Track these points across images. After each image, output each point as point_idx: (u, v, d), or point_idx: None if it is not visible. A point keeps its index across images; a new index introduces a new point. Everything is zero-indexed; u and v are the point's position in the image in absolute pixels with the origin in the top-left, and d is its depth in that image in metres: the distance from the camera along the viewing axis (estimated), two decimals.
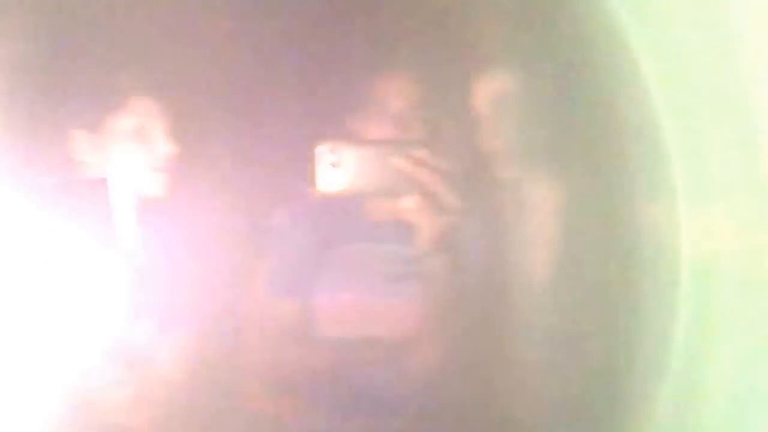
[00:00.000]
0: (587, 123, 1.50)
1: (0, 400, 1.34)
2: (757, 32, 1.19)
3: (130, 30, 1.68)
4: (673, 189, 1.35)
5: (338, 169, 1.11)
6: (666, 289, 1.34)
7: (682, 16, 1.30)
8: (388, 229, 1.60)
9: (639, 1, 1.43)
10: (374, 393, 1.55)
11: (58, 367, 1.43)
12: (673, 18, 1.33)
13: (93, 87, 1.50)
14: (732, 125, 1.28)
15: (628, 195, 1.42)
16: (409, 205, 1.11)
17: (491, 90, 1.51)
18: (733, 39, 1.22)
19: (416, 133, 1.56)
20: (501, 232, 1.55)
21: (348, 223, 1.64)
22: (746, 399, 1.22)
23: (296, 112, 1.62)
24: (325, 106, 1.60)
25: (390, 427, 1.55)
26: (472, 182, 1.49)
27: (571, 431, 1.39)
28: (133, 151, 1.49)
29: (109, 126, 1.48)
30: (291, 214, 1.69)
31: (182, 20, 1.70)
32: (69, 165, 1.49)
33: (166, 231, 1.57)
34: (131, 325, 1.51)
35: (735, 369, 1.25)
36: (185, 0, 1.69)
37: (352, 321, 1.59)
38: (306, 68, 1.62)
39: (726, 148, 1.27)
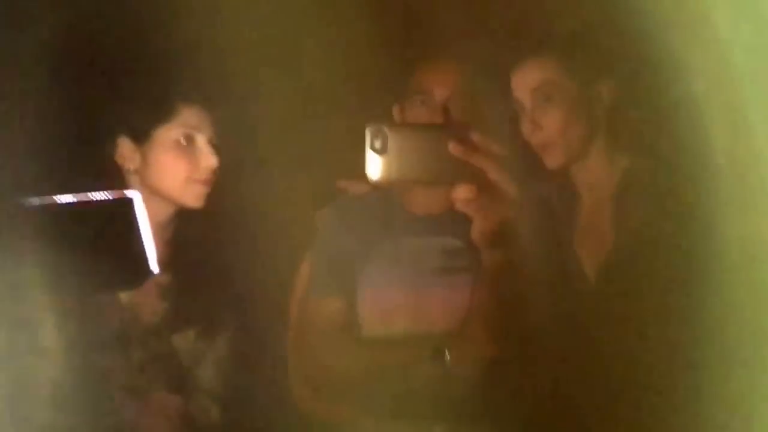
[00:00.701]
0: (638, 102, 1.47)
1: None
2: None
3: (180, 41, 1.69)
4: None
5: (384, 154, 1.01)
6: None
7: None
8: (436, 222, 1.59)
9: None
10: (422, 393, 1.50)
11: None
12: None
13: (142, 96, 1.49)
14: None
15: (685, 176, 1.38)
16: (462, 194, 1.01)
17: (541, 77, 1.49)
18: None
19: (468, 116, 1.54)
20: (556, 222, 1.53)
21: (394, 217, 1.62)
22: None
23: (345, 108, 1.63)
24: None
25: (434, 430, 1.52)
26: (529, 169, 1.48)
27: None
28: (177, 161, 1.48)
29: (156, 135, 1.48)
30: (337, 208, 1.69)
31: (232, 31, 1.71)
32: (112, 174, 1.49)
33: (207, 235, 1.55)
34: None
35: None
36: (232, 12, 1.69)
37: (400, 318, 1.56)
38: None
39: None
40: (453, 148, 0.99)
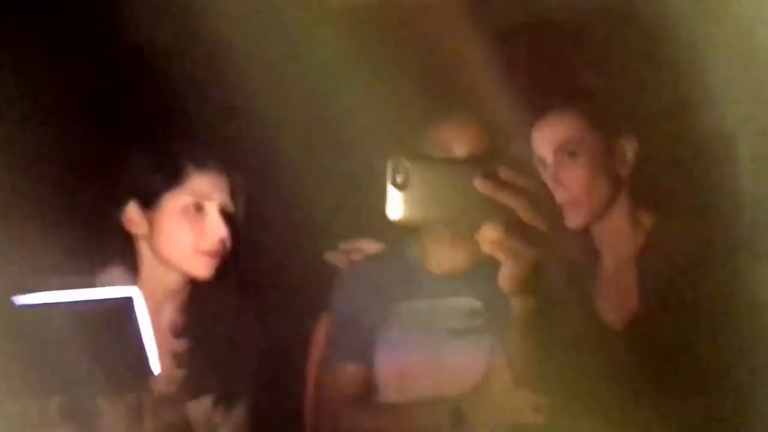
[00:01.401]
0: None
1: None
2: None
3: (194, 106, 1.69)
4: None
5: (406, 190, 0.96)
6: None
7: None
8: (454, 282, 1.56)
9: None
10: None
11: None
12: None
13: (154, 159, 1.46)
14: None
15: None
16: (490, 235, 0.94)
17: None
18: None
19: (497, 149, 1.51)
20: (578, 275, 1.48)
21: (411, 278, 1.58)
22: None
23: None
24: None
25: None
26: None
27: None
28: (185, 230, 1.43)
29: (165, 202, 1.43)
30: (353, 271, 1.67)
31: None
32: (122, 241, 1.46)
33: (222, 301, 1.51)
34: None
35: None
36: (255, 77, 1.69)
37: (418, 383, 1.52)
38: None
39: None
40: (480, 184, 0.93)
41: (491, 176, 0.92)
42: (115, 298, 1.15)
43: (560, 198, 1.44)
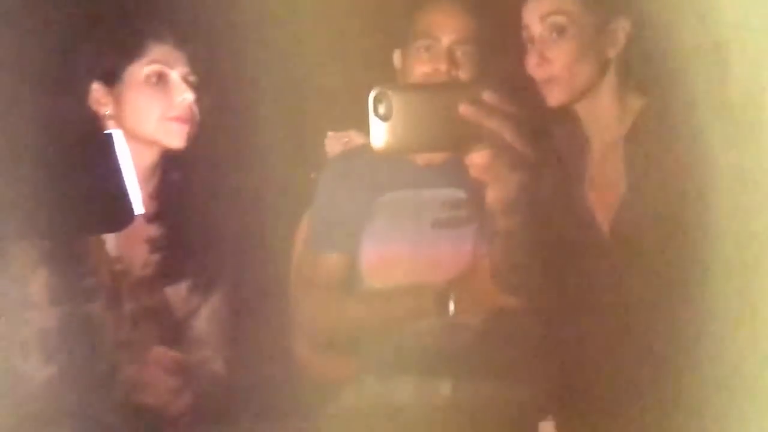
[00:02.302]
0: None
1: None
2: None
3: None
4: None
5: (389, 121, 0.93)
6: None
7: None
8: (438, 172, 1.54)
9: None
10: (426, 347, 1.48)
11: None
12: None
13: (111, 35, 1.45)
14: None
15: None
16: (477, 161, 0.94)
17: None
18: None
19: (476, 64, 1.48)
20: (565, 172, 1.46)
21: (395, 169, 1.56)
22: None
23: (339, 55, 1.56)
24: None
25: (440, 385, 1.49)
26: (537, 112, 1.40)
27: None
28: (150, 99, 1.43)
29: (126, 76, 1.44)
30: (336, 163, 1.66)
31: None
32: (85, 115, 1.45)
33: (196, 184, 1.51)
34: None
35: None
36: None
37: (403, 270, 1.53)
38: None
39: None
40: (465, 110, 0.90)
41: (476, 102, 0.90)
42: (95, 136, 1.18)
43: (542, 74, 1.41)
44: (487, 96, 0.91)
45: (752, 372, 1.17)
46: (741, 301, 1.22)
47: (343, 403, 1.54)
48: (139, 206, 1.18)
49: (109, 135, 1.17)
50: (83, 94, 1.45)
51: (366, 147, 1.58)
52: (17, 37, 1.41)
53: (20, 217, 1.15)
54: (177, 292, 1.47)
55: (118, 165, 1.15)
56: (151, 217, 1.47)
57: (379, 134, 0.91)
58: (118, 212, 1.17)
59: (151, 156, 1.46)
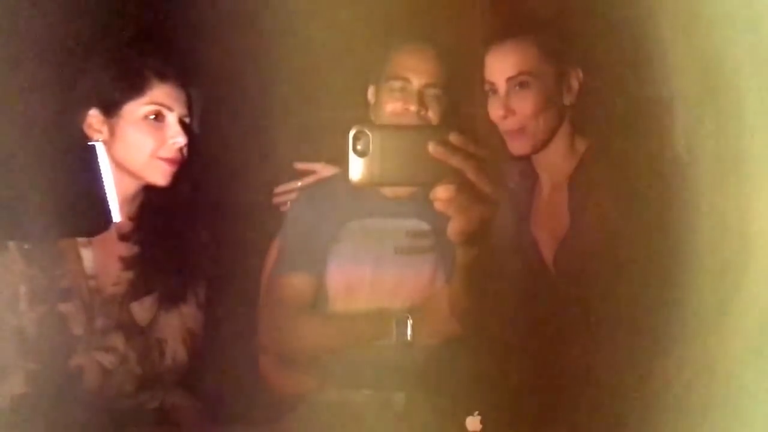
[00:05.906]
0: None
1: None
2: None
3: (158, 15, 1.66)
4: None
5: (366, 157, 1.00)
6: None
7: None
8: (404, 204, 1.62)
9: None
10: (384, 364, 1.54)
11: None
12: None
13: (117, 68, 1.48)
14: None
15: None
16: (442, 195, 1.01)
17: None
18: None
19: (447, 115, 1.56)
20: (515, 205, 1.54)
21: (363, 199, 1.63)
22: None
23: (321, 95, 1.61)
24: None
25: (395, 401, 1.55)
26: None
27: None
28: (144, 137, 1.47)
29: (125, 110, 1.47)
30: (307, 191, 1.71)
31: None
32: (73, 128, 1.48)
33: (173, 211, 1.55)
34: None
35: None
36: None
37: (365, 294, 1.60)
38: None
39: None
40: (433, 149, 1.00)
41: (443, 142, 1.00)
42: (77, 146, 1.21)
43: (507, 126, 1.48)
44: (453, 138, 1.00)
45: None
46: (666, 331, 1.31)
47: (303, 412, 1.58)
48: (116, 214, 1.22)
49: (92, 146, 1.21)
50: (79, 116, 1.48)
51: (336, 178, 1.70)
52: (19, 43, 1.45)
53: (2, 218, 1.19)
54: (142, 307, 1.51)
55: (99, 174, 1.20)
56: (126, 238, 1.51)
57: (357, 168, 1.01)
58: (96, 217, 1.21)
59: (134, 186, 1.50)
